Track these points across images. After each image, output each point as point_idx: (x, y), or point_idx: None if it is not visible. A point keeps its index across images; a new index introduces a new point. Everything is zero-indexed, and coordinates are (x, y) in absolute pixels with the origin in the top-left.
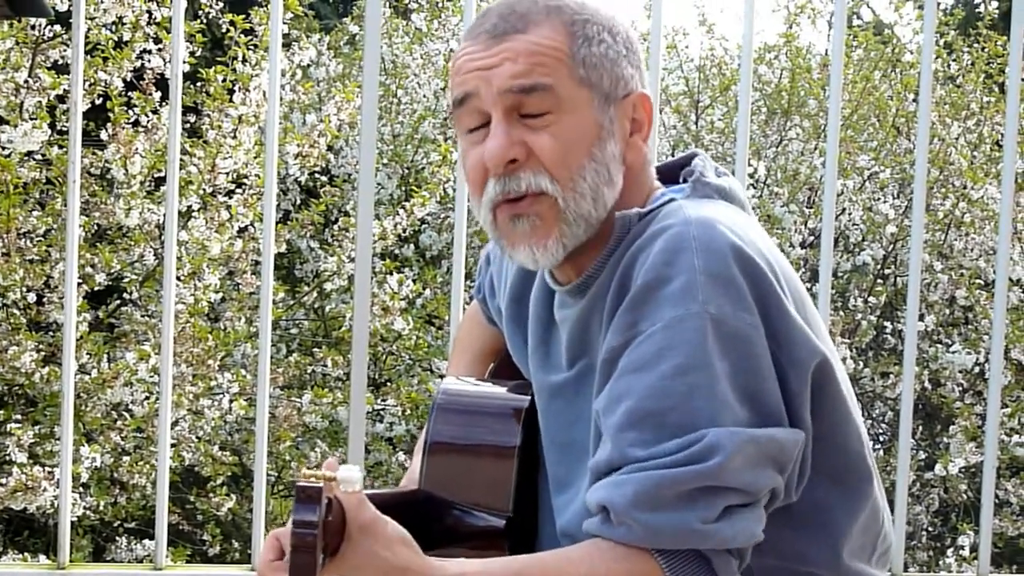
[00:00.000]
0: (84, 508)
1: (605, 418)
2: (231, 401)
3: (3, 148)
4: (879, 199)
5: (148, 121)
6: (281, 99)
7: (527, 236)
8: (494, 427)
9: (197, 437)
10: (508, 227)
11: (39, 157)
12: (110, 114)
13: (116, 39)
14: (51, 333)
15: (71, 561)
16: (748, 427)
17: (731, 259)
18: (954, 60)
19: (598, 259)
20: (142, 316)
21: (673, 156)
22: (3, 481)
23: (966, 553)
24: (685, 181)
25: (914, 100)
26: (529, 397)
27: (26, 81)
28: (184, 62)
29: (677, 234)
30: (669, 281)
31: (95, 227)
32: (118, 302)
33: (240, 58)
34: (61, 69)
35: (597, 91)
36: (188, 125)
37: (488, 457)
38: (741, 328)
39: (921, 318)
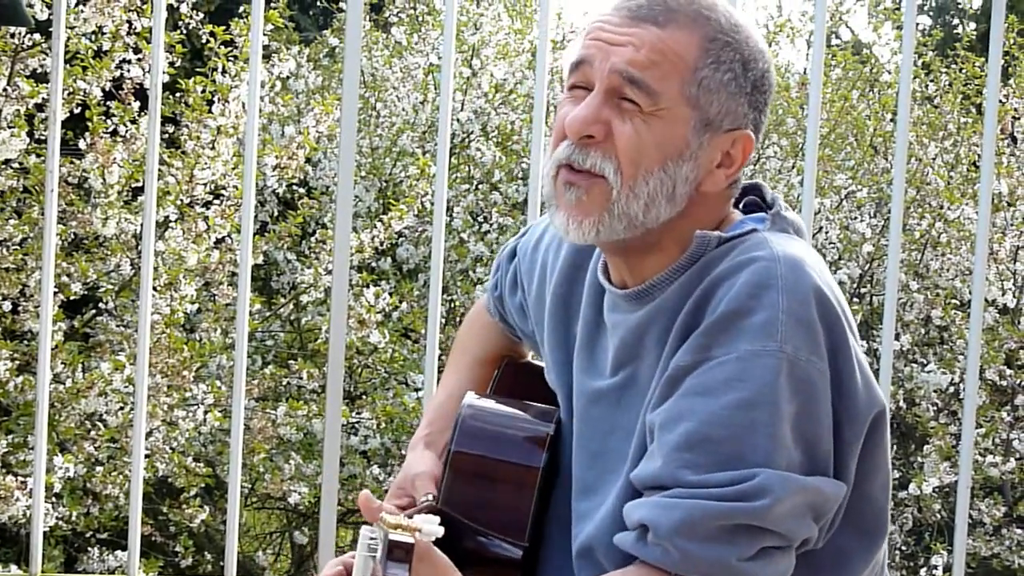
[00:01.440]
0: (56, 518)
1: (661, 434)
2: (206, 412)
3: None
4: (856, 218)
5: (126, 131)
6: (260, 111)
7: (570, 206)
8: (517, 455)
9: (171, 448)
10: (561, 190)
11: (16, 165)
12: (88, 123)
13: (96, 48)
14: (26, 342)
15: (43, 571)
16: (799, 472)
17: (813, 303)
18: (932, 81)
19: (665, 271)
20: (117, 326)
21: None
22: None
23: (939, 573)
24: (748, 209)
25: (892, 120)
26: (553, 424)
27: (4, 89)
28: (163, 72)
29: (765, 268)
30: (751, 314)
31: (72, 236)
32: (93, 312)
33: (220, 69)
34: (40, 78)
35: (700, 114)
36: (166, 135)
37: (509, 485)
38: (812, 373)
39: (897, 337)
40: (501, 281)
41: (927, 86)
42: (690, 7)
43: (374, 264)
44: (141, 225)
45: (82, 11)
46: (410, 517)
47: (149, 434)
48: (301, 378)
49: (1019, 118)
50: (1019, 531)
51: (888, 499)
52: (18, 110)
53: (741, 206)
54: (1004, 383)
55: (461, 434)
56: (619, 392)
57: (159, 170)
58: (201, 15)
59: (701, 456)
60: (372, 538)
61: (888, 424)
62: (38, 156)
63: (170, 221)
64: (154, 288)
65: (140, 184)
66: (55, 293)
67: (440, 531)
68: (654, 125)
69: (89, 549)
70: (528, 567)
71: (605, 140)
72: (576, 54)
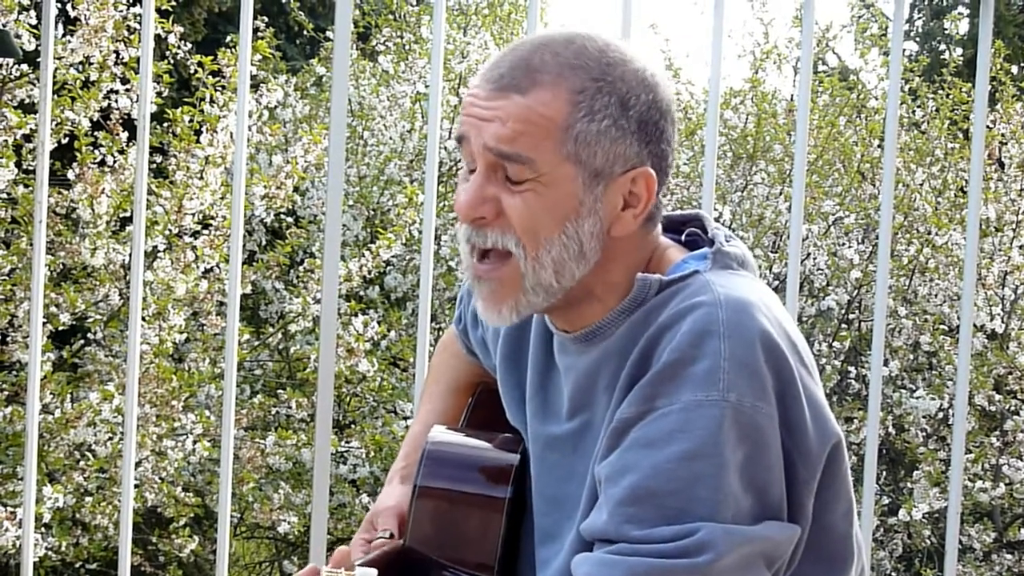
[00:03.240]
0: (46, 548)
1: (607, 486)
2: (195, 442)
3: None
4: (844, 244)
5: (115, 161)
6: (248, 140)
7: (486, 297)
8: (483, 486)
9: (160, 478)
10: (475, 283)
11: (4, 196)
12: (77, 153)
13: (83, 79)
14: (14, 372)
15: None
16: (750, 518)
17: (758, 347)
18: (919, 106)
19: (610, 314)
20: (106, 356)
21: None
22: None
23: None
24: (693, 241)
25: (879, 146)
26: (519, 455)
27: None
28: (151, 102)
29: (706, 315)
30: (694, 363)
31: (60, 266)
32: (82, 342)
33: (208, 99)
34: (27, 108)
35: (585, 168)
36: (154, 165)
37: (476, 516)
38: (757, 419)
39: (885, 363)
40: (464, 315)
41: (914, 112)
42: (555, 62)
43: (362, 293)
44: (130, 255)
45: (69, 41)
46: (351, 568)
47: (138, 464)
48: (290, 407)
49: (1006, 143)
50: (1009, 556)
51: (852, 525)
52: (6, 141)
53: (684, 236)
54: (993, 408)
55: (426, 470)
56: (575, 438)
57: (147, 200)
58: (189, 45)
59: (645, 510)
60: None
61: (845, 454)
62: (26, 187)
63: (158, 251)
64: (143, 318)
65: (128, 214)
66: (43, 323)
67: None
68: (541, 192)
69: None
70: None
71: (498, 217)
72: (456, 131)
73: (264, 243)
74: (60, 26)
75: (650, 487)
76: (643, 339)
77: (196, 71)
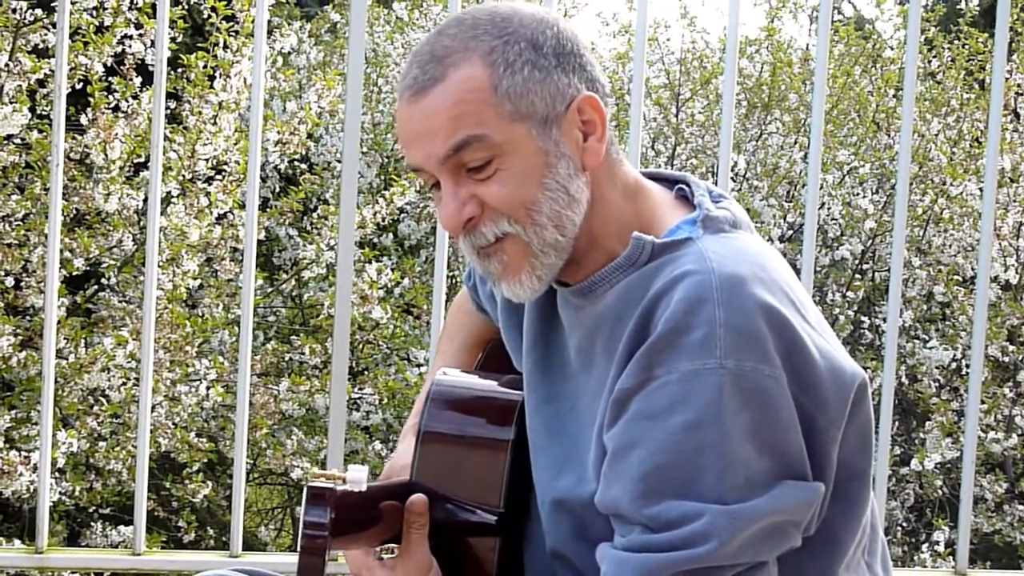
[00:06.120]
0: (59, 493)
1: (615, 460)
2: (208, 388)
3: None
4: (858, 194)
5: (128, 106)
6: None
7: (500, 272)
8: (488, 422)
9: (173, 423)
10: (485, 266)
11: (18, 141)
12: (90, 99)
13: (97, 23)
14: (28, 317)
15: (48, 546)
16: (770, 478)
17: (755, 311)
18: (935, 56)
19: (606, 268)
20: (119, 302)
21: (653, 149)
22: None
23: (941, 549)
24: (684, 196)
25: (894, 96)
26: (523, 395)
27: (6, 65)
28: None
29: (699, 283)
30: (689, 331)
31: (74, 212)
32: (96, 287)
33: (221, 44)
34: (41, 53)
35: (532, 120)
36: (168, 111)
37: (481, 452)
38: (759, 381)
39: (899, 313)
40: (473, 271)
41: (930, 62)
42: (455, 41)
43: (376, 240)
44: (143, 200)
45: None
46: None
47: (152, 409)
48: (303, 354)
49: (1022, 94)
50: (1021, 507)
51: (870, 466)
52: (20, 85)
53: (675, 192)
54: (1006, 359)
55: (431, 411)
56: (573, 395)
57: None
58: None
59: (655, 484)
60: None
61: (868, 395)
62: (40, 132)
63: (172, 196)
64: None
65: (142, 160)
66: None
67: (365, 477)
68: (507, 165)
69: (92, 524)
70: (512, 539)
71: (484, 210)
72: (407, 161)
73: (278, 189)
74: None
75: (657, 462)
76: (641, 306)
77: (210, 16)
